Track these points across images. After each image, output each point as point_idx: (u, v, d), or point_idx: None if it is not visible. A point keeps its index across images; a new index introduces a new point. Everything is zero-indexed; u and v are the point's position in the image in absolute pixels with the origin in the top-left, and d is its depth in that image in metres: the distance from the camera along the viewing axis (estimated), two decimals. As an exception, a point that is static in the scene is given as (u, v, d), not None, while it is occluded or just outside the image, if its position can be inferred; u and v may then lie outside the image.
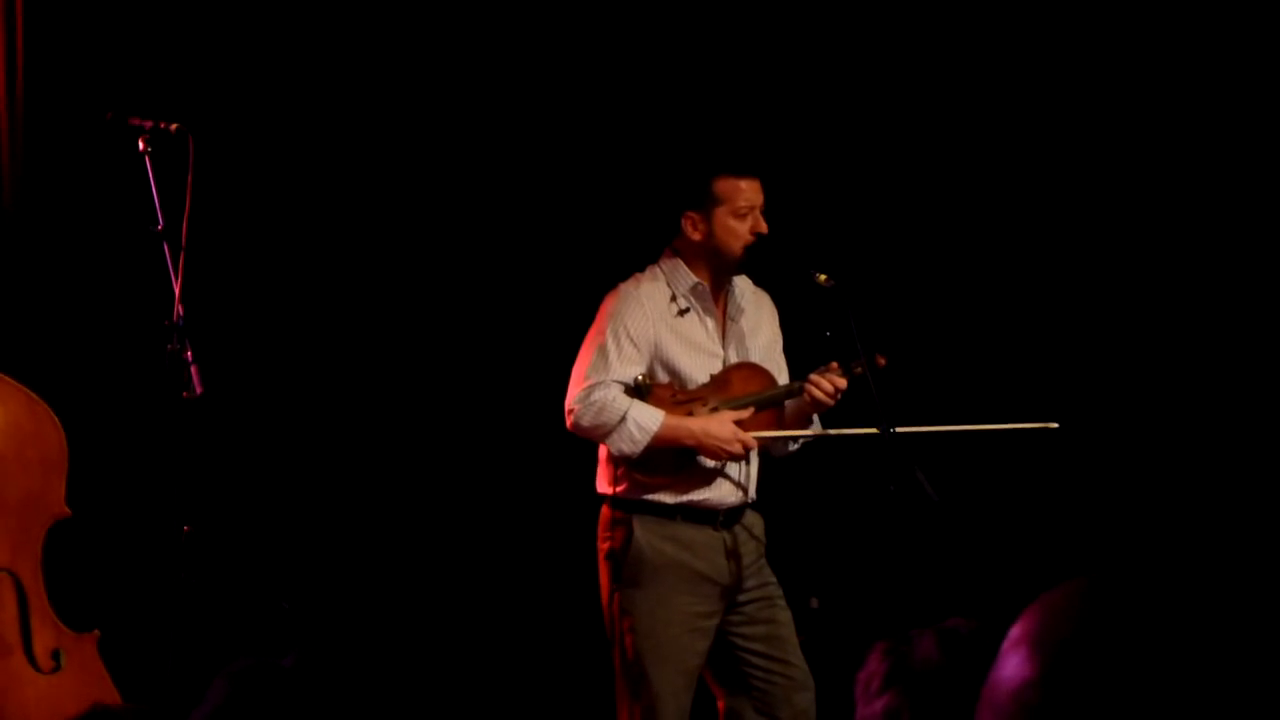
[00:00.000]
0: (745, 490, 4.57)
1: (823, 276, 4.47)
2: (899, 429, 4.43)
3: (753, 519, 4.62)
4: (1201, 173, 5.89)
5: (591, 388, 4.42)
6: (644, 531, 4.47)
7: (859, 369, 4.48)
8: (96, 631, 4.26)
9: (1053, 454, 5.51)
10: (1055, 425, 4.49)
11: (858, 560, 5.88)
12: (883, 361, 4.52)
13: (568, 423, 4.47)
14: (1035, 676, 1.43)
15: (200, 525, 4.32)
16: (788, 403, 4.60)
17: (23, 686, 4.11)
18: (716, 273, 4.57)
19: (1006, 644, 1.48)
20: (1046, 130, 5.96)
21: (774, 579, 4.61)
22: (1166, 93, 5.91)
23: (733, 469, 4.53)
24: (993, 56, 5.97)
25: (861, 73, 6.00)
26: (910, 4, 6.01)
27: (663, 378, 4.50)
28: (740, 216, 4.50)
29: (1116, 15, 5.91)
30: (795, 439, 4.65)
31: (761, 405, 4.53)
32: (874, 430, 4.40)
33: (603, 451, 4.53)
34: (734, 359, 4.58)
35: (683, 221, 4.54)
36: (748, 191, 4.51)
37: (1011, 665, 1.46)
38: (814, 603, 4.68)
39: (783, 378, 4.65)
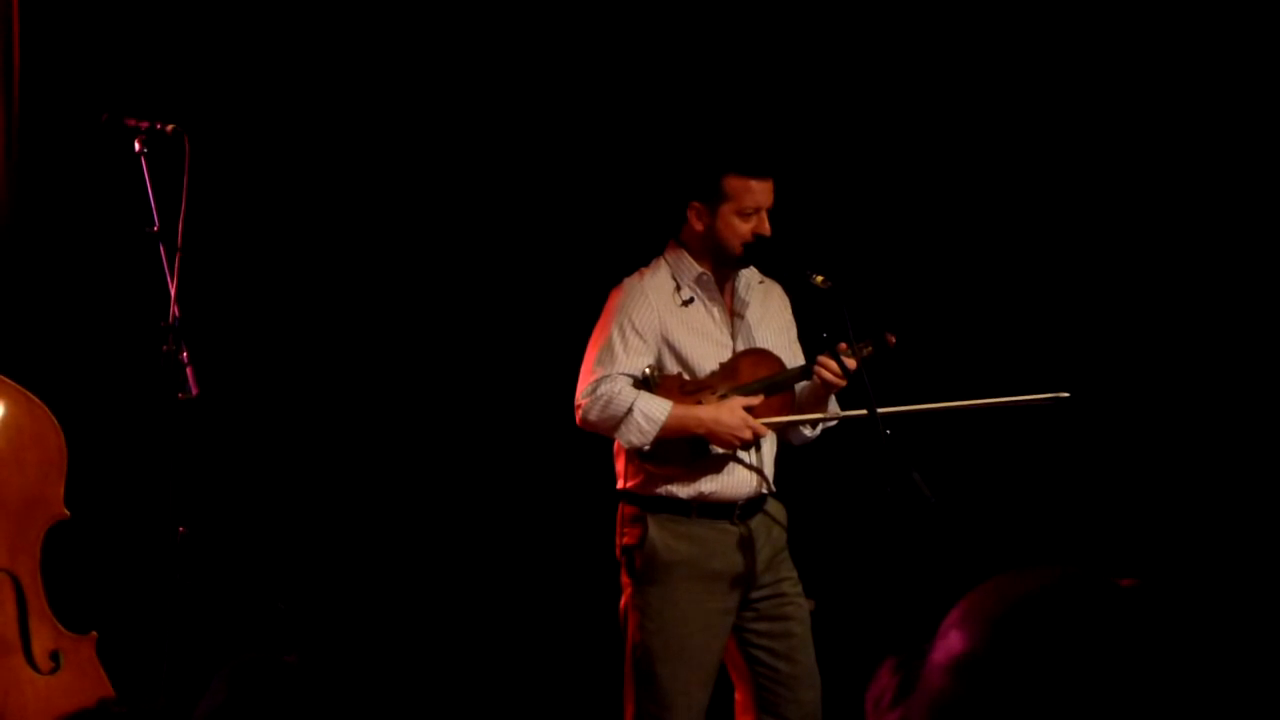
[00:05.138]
0: (761, 479, 4.56)
1: (819, 278, 4.46)
2: (915, 407, 4.47)
3: (775, 508, 4.62)
4: (1205, 146, 5.88)
5: (598, 381, 4.42)
6: (659, 529, 4.47)
7: (868, 350, 4.48)
8: (94, 634, 4.27)
9: (1063, 432, 5.51)
10: (1066, 395, 4.48)
11: (855, 563, 5.88)
12: (893, 340, 4.52)
13: (576, 418, 4.47)
14: (965, 650, 1.46)
15: (196, 526, 4.31)
16: (800, 388, 4.59)
17: (22, 687, 4.12)
18: (719, 265, 4.57)
19: (944, 624, 1.51)
20: (1043, 117, 5.96)
21: (793, 573, 4.61)
22: (1155, 69, 5.91)
23: (746, 458, 4.52)
24: (987, 48, 5.98)
25: (853, 69, 6.00)
26: (905, 4, 6.01)
27: (672, 368, 4.50)
28: (744, 216, 4.49)
29: (1103, 9, 5.92)
30: (812, 425, 4.64)
31: (771, 390, 4.52)
32: (888, 410, 4.39)
33: (617, 445, 4.53)
34: (743, 348, 4.58)
35: (688, 210, 4.55)
36: (757, 193, 4.50)
37: (945, 641, 1.48)
38: (810, 604, 4.66)
39: (796, 365, 4.64)
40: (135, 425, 5.12)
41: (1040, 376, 4.73)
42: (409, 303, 5.77)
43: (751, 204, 4.49)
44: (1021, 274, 5.98)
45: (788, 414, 4.57)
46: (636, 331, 4.47)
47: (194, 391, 4.17)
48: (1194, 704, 1.40)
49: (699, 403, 4.45)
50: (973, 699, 1.43)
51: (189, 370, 4.18)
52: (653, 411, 4.39)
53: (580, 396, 4.45)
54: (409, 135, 5.77)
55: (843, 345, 4.48)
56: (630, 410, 4.38)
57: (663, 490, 4.48)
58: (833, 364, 4.45)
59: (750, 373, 4.53)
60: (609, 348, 4.46)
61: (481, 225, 5.84)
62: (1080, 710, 1.39)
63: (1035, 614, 1.44)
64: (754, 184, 4.50)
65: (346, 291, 5.72)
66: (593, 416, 4.42)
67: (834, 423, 4.67)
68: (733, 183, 4.49)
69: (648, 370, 4.43)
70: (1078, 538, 5.78)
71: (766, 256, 4.57)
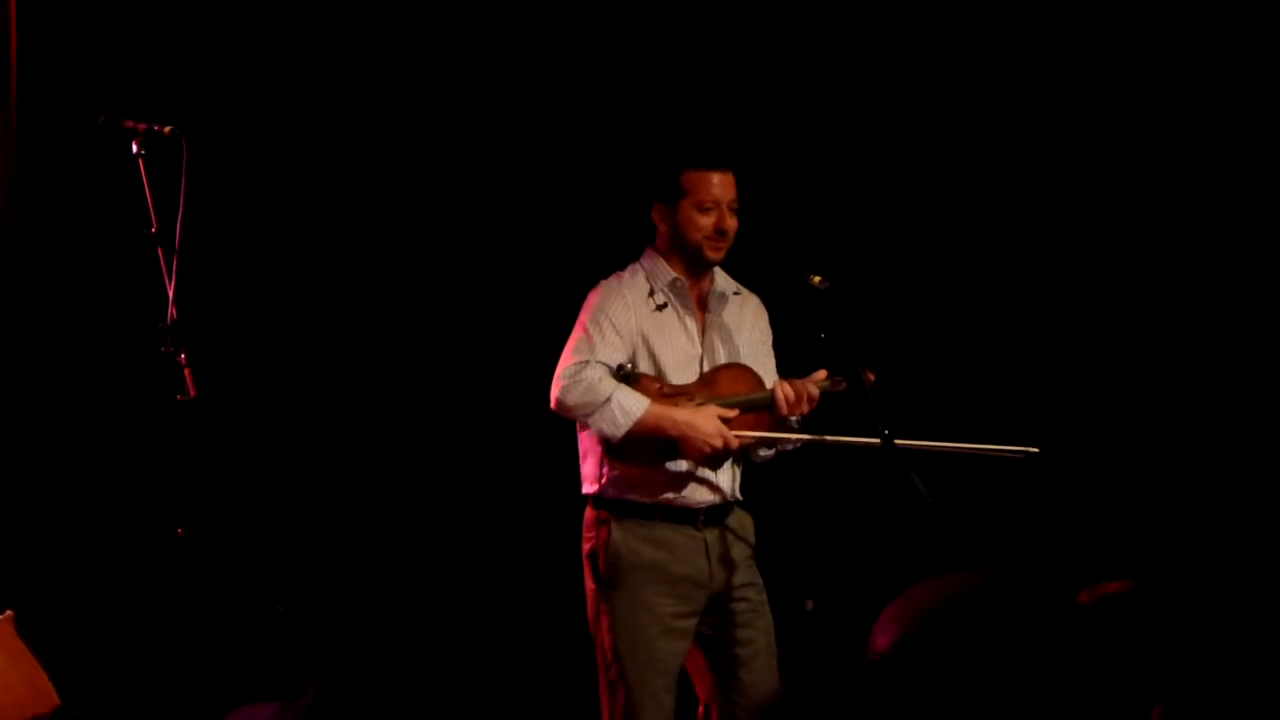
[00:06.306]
0: (728, 489, 4.52)
1: (817, 278, 4.44)
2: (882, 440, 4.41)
3: (741, 519, 4.57)
4: (1190, 189, 5.89)
5: (581, 365, 4.38)
6: (622, 533, 4.44)
7: (843, 385, 4.46)
8: (10, 612, 4.25)
9: (1036, 476, 5.52)
10: (1036, 450, 4.46)
11: (853, 561, 5.88)
12: (871, 378, 4.46)
13: (552, 399, 4.40)
14: (884, 651, 1.50)
15: (194, 528, 4.32)
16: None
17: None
18: (690, 267, 4.53)
19: (875, 625, 1.55)
20: (1038, 135, 5.97)
21: (759, 582, 4.56)
22: (1159, 110, 5.91)
23: (713, 467, 4.51)
24: (989, 63, 5.98)
25: (859, 74, 6.01)
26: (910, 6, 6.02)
27: (645, 370, 4.48)
28: (704, 210, 4.45)
29: (1107, 16, 5.92)
30: (771, 446, 4.60)
31: (748, 407, 4.50)
32: (874, 441, 4.36)
33: (583, 446, 4.50)
34: (718, 357, 4.55)
35: (652, 213, 4.53)
36: (715, 186, 4.45)
37: (871, 642, 1.53)
38: (809, 604, 4.65)
39: (769, 379, 4.59)
40: (134, 427, 5.12)
41: (1021, 399, 4.72)
42: (400, 307, 5.78)
43: (710, 198, 4.45)
44: (1007, 278, 5.99)
45: (763, 430, 4.53)
46: (614, 328, 4.44)
47: (192, 393, 4.17)
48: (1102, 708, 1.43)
49: (676, 405, 4.43)
50: (888, 698, 1.46)
51: (187, 372, 4.19)
52: (630, 405, 4.36)
53: (561, 376, 4.39)
54: (401, 142, 5.78)
55: (822, 372, 4.47)
56: (609, 399, 4.34)
57: (628, 495, 4.45)
58: (788, 391, 4.42)
59: (729, 387, 4.50)
60: (587, 338, 4.43)
61: (470, 231, 5.85)
62: (985, 713, 1.42)
63: (947, 622, 1.47)
64: (711, 176, 4.45)
65: (342, 293, 5.73)
66: (571, 399, 4.37)
67: (793, 447, 4.62)
68: (689, 176, 4.46)
69: (628, 366, 4.41)
70: (1070, 538, 5.79)
71: (761, 259, 4.56)
